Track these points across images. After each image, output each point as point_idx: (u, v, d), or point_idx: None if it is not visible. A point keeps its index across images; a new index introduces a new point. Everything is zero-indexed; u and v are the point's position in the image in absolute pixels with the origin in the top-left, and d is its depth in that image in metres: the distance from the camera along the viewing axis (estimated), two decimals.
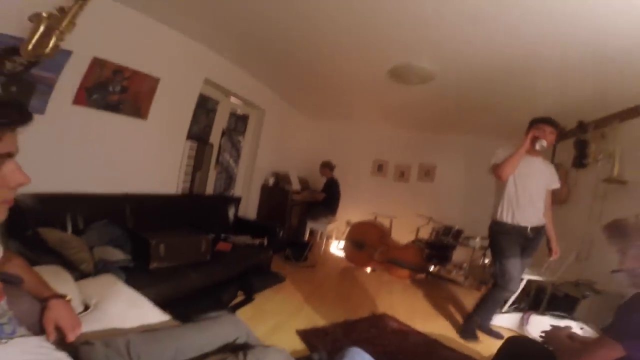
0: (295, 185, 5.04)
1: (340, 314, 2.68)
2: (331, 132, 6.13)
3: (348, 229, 4.62)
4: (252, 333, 1.32)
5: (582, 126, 3.40)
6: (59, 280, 1.32)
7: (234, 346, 1.21)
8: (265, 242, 3.31)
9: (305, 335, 2.24)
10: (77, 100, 2.16)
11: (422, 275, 4.17)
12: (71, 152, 2.22)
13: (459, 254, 4.62)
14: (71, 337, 1.03)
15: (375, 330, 2.48)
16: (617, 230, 1.17)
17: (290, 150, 5.68)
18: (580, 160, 3.38)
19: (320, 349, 1.99)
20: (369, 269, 4.25)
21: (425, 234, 4.79)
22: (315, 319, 2.52)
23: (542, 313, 2.68)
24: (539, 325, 2.43)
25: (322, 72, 3.51)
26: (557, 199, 3.70)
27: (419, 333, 2.50)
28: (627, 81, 2.49)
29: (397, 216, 5.17)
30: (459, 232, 4.42)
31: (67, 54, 2.01)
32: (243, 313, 2.41)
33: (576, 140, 3.46)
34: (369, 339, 2.33)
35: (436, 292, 3.71)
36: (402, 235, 4.85)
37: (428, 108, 4.22)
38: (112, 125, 2.44)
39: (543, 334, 1.35)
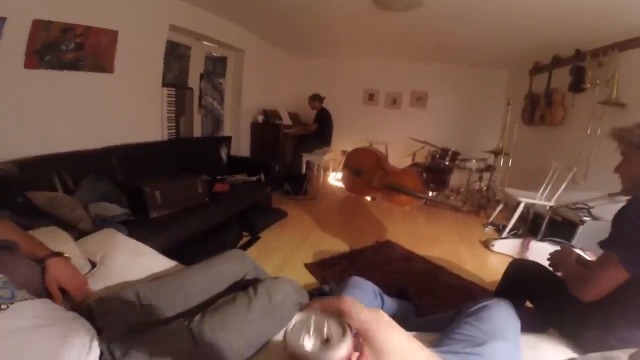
0: (286, 120, 4.86)
1: (345, 244, 2.75)
2: (318, 67, 5.92)
3: (344, 157, 4.57)
4: (260, 267, 1.32)
5: (579, 54, 3.35)
6: (57, 239, 1.26)
7: (244, 282, 1.20)
8: (262, 178, 3.26)
9: (313, 268, 2.30)
10: (29, 64, 2.02)
11: (421, 202, 4.23)
12: (40, 114, 2.13)
13: (455, 179, 4.69)
14: (79, 298, 0.99)
15: (380, 257, 2.56)
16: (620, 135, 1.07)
17: (278, 88, 5.47)
18: (578, 84, 3.33)
19: (329, 280, 2.06)
20: (368, 198, 4.30)
21: (421, 158, 4.78)
22: (321, 251, 2.57)
23: (542, 239, 2.68)
24: (540, 251, 2.41)
25: (302, 7, 3.19)
26: (552, 122, 3.68)
27: (423, 259, 2.57)
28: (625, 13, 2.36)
29: (392, 142, 5.13)
30: (455, 154, 4.39)
31: (1, 20, 1.82)
32: (250, 253, 2.43)
33: (573, 66, 3.40)
34: (376, 266, 2.40)
35: (436, 218, 3.79)
36: (399, 160, 4.87)
37: (417, 37, 3.94)
38: (76, 83, 2.31)
39: (550, 257, 1.31)
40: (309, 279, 2.16)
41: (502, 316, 0.96)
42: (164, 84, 3.12)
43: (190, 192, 2.36)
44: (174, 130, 3.35)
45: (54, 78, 2.16)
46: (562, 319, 1.13)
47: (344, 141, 5.51)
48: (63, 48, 2.17)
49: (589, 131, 3.07)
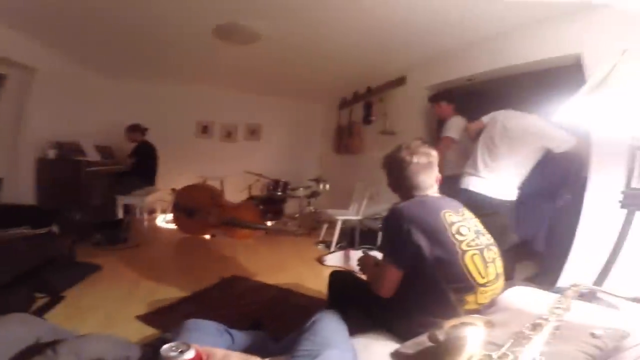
0: (92, 156, 3.99)
1: (187, 287, 2.41)
2: (142, 93, 5.08)
3: (174, 197, 4.11)
4: (62, 329, 1.05)
5: (369, 91, 4.40)
6: None
7: (38, 347, 0.90)
8: (56, 229, 2.51)
9: (150, 318, 1.92)
10: None
11: (262, 232, 4.27)
12: None
13: (289, 207, 5.03)
14: None
15: (228, 293, 2.38)
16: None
17: (83, 116, 4.41)
18: (367, 117, 4.33)
19: (173, 328, 1.75)
20: (207, 236, 3.99)
21: (256, 191, 4.90)
22: (157, 300, 2.18)
23: (357, 248, 3.25)
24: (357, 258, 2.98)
25: (135, 26, 2.91)
26: (353, 150, 4.63)
27: (271, 287, 2.56)
28: (396, 56, 3.34)
29: (228, 176, 5.05)
30: (286, 185, 4.75)
31: None
32: (55, 316, 1.86)
33: (364, 102, 4.40)
34: (224, 303, 2.21)
35: (277, 245, 3.89)
36: (236, 194, 4.79)
37: (252, 69, 4.21)
38: None
39: (357, 263, 1.55)
40: (149, 331, 1.79)
41: (329, 326, 1.04)
42: None
43: None
44: None
45: None
46: (378, 316, 1.29)
47: (174, 178, 4.81)
48: None
49: (376, 156, 4.00)
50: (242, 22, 2.76)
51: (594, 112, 1.12)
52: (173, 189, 4.27)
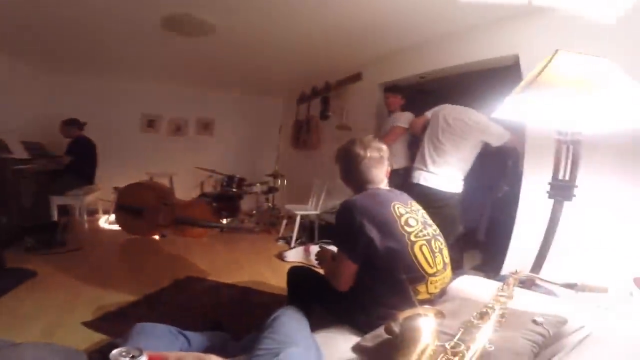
0: (20, 153, 3.53)
1: (137, 291, 2.26)
2: (78, 85, 4.66)
3: (117, 196, 3.80)
4: None
5: (327, 86, 4.39)
6: None
7: None
8: None
9: (98, 324, 1.80)
10: None
11: (216, 231, 4.12)
12: None
13: (246, 203, 4.91)
14: None
15: (183, 295, 2.28)
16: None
17: (8, 110, 3.88)
18: (324, 113, 4.34)
19: (124, 332, 1.63)
20: (157, 236, 3.76)
21: (209, 187, 4.71)
22: (104, 305, 2.04)
23: (316, 242, 3.28)
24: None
25: (73, 17, 2.68)
26: (310, 145, 4.63)
27: (229, 285, 2.49)
28: (353, 52, 3.38)
29: (178, 173, 4.80)
30: (241, 181, 4.61)
31: None
32: None
33: (322, 97, 4.41)
34: (180, 305, 2.12)
35: (234, 243, 3.78)
36: (187, 192, 4.58)
37: (206, 63, 4.05)
38: None
39: (315, 257, 1.58)
40: (97, 337, 1.68)
41: (289, 323, 1.02)
42: None
43: None
44: None
45: None
46: (338, 310, 1.30)
47: (116, 176, 4.39)
48: None
49: (333, 151, 4.04)
50: (194, 13, 2.61)
51: (525, 108, 1.22)
52: (115, 188, 3.94)
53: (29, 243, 2.99)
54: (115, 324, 1.79)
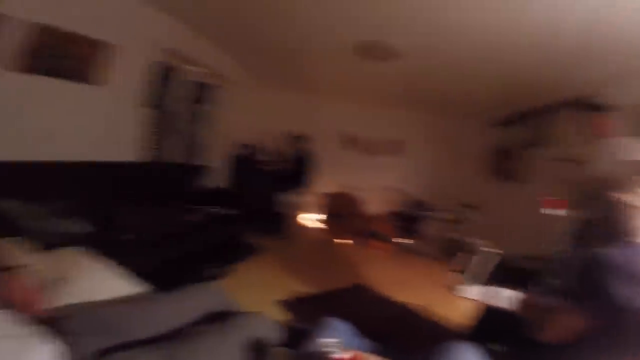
0: (266, 156, 4.87)
1: (320, 284, 2.69)
2: (296, 105, 5.58)
3: (325, 201, 4.57)
4: (234, 301, 1.29)
5: (536, 110, 3.67)
6: (17, 251, 1.17)
7: (216, 314, 1.17)
8: (237, 213, 3.19)
9: (287, 305, 2.23)
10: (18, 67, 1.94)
11: (396, 248, 4.27)
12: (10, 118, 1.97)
13: (427, 227, 4.76)
14: (28, 314, 0.93)
15: (359, 300, 2.52)
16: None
17: (259, 122, 5.29)
18: (535, 140, 3.70)
19: (303, 319, 1.99)
20: (348, 241, 4.28)
21: (395, 206, 4.90)
22: (295, 290, 2.51)
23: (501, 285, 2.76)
24: (503, 296, 2.52)
25: (289, 42, 3.29)
26: (515, 176, 3.88)
27: (397, 304, 2.55)
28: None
29: (366, 189, 5.14)
30: (428, 204, 4.57)
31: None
32: (224, 285, 2.34)
33: (531, 122, 3.79)
34: (349, 308, 2.34)
35: (408, 263, 3.82)
36: (374, 207, 4.92)
37: (396, 85, 4.17)
38: (56, 91, 2.20)
39: (517, 302, 1.36)
40: (282, 316, 2.09)
41: (466, 358, 0.97)
42: (146, 105, 3.01)
43: (161, 219, 2.28)
44: (151, 153, 3.23)
45: (37, 83, 2.07)
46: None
47: (321, 183, 5.22)
48: (53, 55, 2.09)
49: (547, 186, 3.30)
50: (383, 39, 2.77)
51: None
52: (322, 193, 4.72)
53: (262, 226, 3.91)
54: (299, 308, 2.17)
